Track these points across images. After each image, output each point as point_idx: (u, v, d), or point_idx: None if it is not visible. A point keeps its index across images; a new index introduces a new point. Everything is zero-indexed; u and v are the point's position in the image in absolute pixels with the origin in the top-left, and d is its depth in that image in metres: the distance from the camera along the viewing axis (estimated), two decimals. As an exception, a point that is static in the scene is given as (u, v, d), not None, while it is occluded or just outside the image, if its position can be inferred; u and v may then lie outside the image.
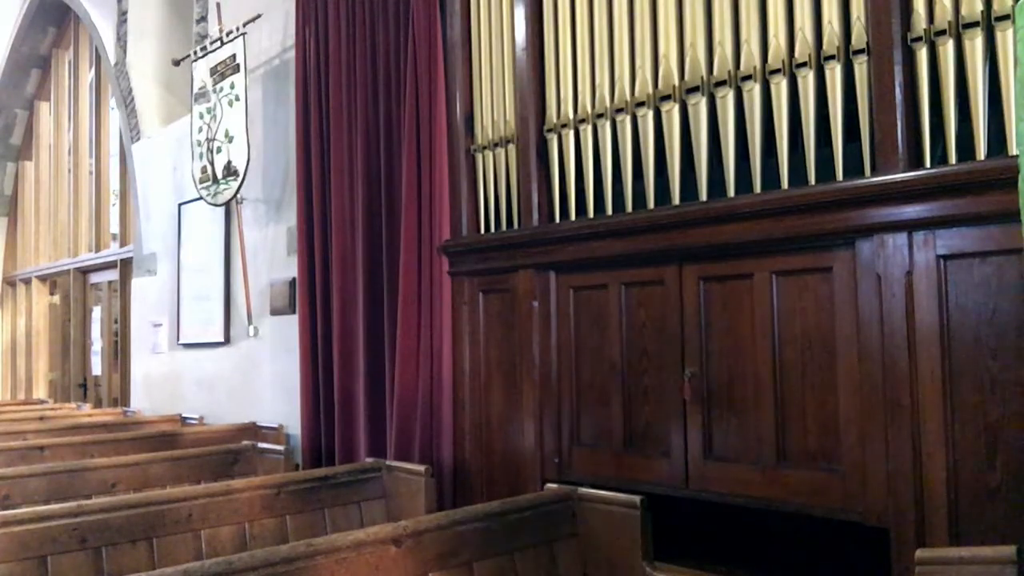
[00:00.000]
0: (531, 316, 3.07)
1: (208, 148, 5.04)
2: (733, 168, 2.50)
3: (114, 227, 7.36)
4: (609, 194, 2.83)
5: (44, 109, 8.67)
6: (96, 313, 7.57)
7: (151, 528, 2.54)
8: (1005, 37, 1.97)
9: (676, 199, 2.63)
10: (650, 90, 2.69)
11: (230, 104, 4.86)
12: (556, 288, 3.02)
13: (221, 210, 5.23)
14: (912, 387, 2.09)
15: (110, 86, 6.96)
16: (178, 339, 5.78)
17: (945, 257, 2.06)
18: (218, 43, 4.98)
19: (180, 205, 5.82)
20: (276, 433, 4.60)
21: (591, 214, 2.91)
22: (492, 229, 3.30)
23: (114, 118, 7.26)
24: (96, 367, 7.54)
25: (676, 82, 2.62)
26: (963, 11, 2.05)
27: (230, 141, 4.84)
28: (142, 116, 6.43)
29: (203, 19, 5.67)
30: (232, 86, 4.85)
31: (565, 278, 2.99)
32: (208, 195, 5.05)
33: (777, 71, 2.38)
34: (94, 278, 7.67)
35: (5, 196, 8.99)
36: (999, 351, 1.97)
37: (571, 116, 2.96)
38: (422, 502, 2.94)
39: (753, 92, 2.44)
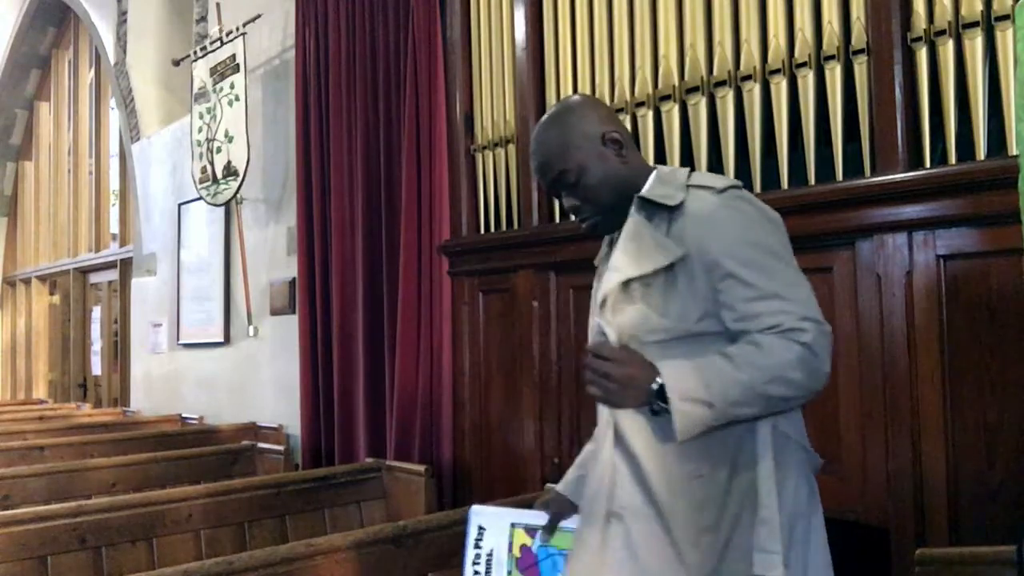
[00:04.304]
0: (531, 316, 3.07)
1: (208, 148, 5.04)
2: (733, 168, 2.50)
3: (114, 227, 7.37)
4: (609, 194, 2.83)
5: (44, 109, 8.68)
6: (96, 313, 7.57)
7: (151, 528, 2.54)
8: (1005, 37, 1.97)
9: (676, 199, 2.63)
10: (650, 90, 2.69)
11: (230, 104, 4.86)
12: (556, 288, 3.01)
13: (221, 210, 5.23)
14: (912, 387, 2.09)
15: (110, 86, 6.97)
16: (178, 339, 5.78)
17: (945, 257, 2.06)
18: (218, 43, 4.98)
19: (180, 205, 5.82)
20: (276, 433, 4.61)
21: (591, 214, 2.91)
22: (492, 229, 3.30)
23: (114, 118, 7.26)
24: (96, 367, 7.55)
25: (676, 82, 2.62)
26: (963, 11, 2.05)
27: (230, 141, 4.84)
28: (142, 116, 6.43)
29: (203, 19, 5.67)
30: (232, 86, 4.85)
31: (565, 278, 2.99)
32: (208, 195, 5.05)
33: (777, 71, 2.38)
34: (94, 278, 7.68)
35: (5, 196, 9.00)
36: (999, 351, 1.97)
37: (571, 116, 2.95)
38: (422, 502, 2.94)
39: (753, 92, 2.44)
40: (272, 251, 4.87)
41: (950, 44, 2.07)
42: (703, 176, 1.50)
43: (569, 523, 1.63)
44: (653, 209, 1.46)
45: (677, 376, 1.31)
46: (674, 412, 1.29)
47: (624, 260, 1.46)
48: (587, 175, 1.49)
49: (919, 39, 2.13)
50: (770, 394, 1.30)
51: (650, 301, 1.41)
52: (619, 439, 1.44)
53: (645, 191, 1.48)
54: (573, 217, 1.58)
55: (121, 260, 6.92)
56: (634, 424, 1.41)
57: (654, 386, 1.32)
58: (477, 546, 1.68)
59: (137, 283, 6.44)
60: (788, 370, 1.30)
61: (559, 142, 1.50)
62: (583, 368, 1.37)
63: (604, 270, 1.58)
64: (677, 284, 1.39)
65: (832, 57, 2.28)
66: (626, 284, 1.44)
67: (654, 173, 1.51)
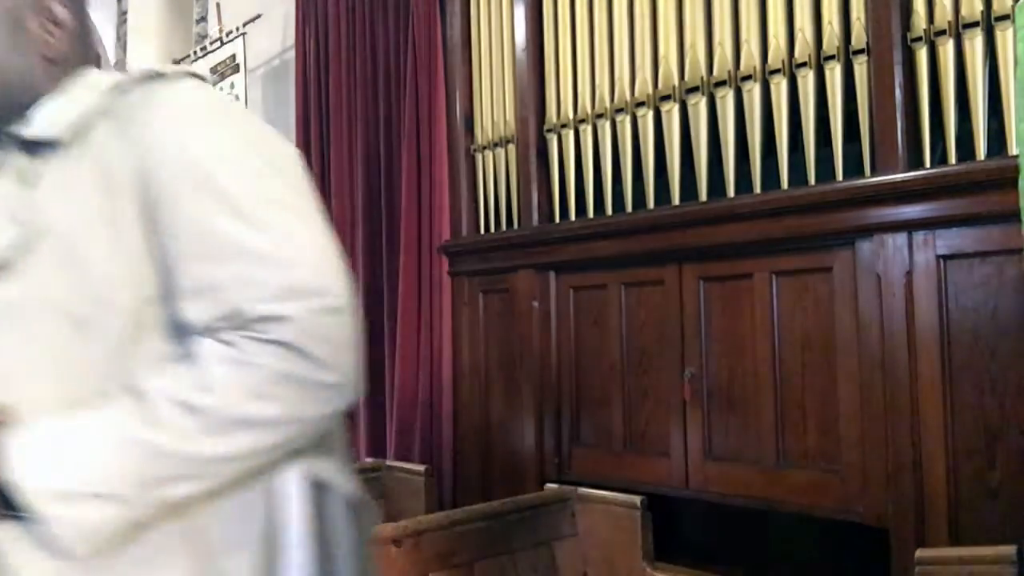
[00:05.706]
0: (531, 316, 3.06)
1: (208, 148, 5.03)
2: (733, 168, 2.50)
3: (114, 227, 7.36)
4: (609, 194, 2.83)
5: (44, 109, 8.67)
6: (96, 313, 7.56)
7: (151, 528, 2.54)
8: (1005, 37, 1.97)
9: (676, 199, 2.63)
10: (650, 90, 2.69)
11: (230, 104, 4.86)
12: (556, 288, 3.01)
13: (221, 210, 5.23)
14: (912, 387, 2.09)
15: (110, 86, 6.96)
16: (178, 339, 5.77)
17: (945, 257, 2.06)
18: (218, 43, 4.98)
19: (180, 205, 5.81)
20: (276, 433, 4.60)
21: (591, 214, 2.91)
22: (492, 229, 3.30)
23: (114, 118, 7.26)
24: (96, 367, 7.53)
25: (676, 82, 2.62)
26: (963, 11, 2.05)
27: (230, 141, 4.84)
28: (142, 116, 6.42)
29: (203, 19, 5.68)
30: (232, 86, 4.85)
31: (565, 278, 2.99)
32: (208, 195, 5.05)
33: (777, 71, 2.38)
34: (94, 278, 7.67)
35: (5, 196, 8.99)
36: (999, 351, 1.97)
37: (571, 116, 2.96)
38: (422, 502, 2.94)
39: (753, 92, 2.44)
40: (272, 251, 4.86)
41: (950, 44, 2.07)
42: (141, 71, 0.95)
43: None
44: (32, 150, 0.89)
45: (40, 459, 0.75)
46: (51, 525, 0.74)
47: None
48: None
49: (919, 39, 2.13)
50: (231, 455, 0.78)
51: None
52: None
53: (17, 122, 0.91)
54: None
55: (121, 260, 6.91)
56: (28, 555, 0.77)
57: None
58: None
59: (137, 283, 6.43)
60: (252, 405, 0.77)
61: None
62: None
63: None
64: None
65: (832, 57, 2.28)
66: None
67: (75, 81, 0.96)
